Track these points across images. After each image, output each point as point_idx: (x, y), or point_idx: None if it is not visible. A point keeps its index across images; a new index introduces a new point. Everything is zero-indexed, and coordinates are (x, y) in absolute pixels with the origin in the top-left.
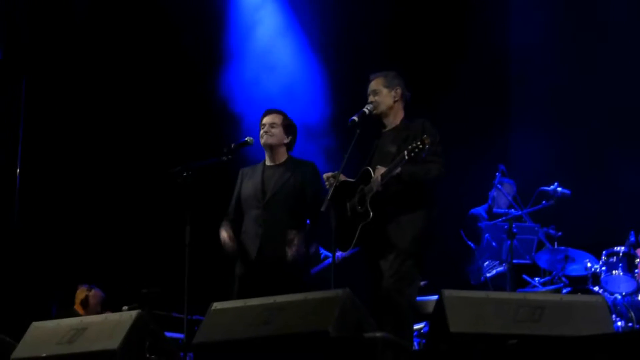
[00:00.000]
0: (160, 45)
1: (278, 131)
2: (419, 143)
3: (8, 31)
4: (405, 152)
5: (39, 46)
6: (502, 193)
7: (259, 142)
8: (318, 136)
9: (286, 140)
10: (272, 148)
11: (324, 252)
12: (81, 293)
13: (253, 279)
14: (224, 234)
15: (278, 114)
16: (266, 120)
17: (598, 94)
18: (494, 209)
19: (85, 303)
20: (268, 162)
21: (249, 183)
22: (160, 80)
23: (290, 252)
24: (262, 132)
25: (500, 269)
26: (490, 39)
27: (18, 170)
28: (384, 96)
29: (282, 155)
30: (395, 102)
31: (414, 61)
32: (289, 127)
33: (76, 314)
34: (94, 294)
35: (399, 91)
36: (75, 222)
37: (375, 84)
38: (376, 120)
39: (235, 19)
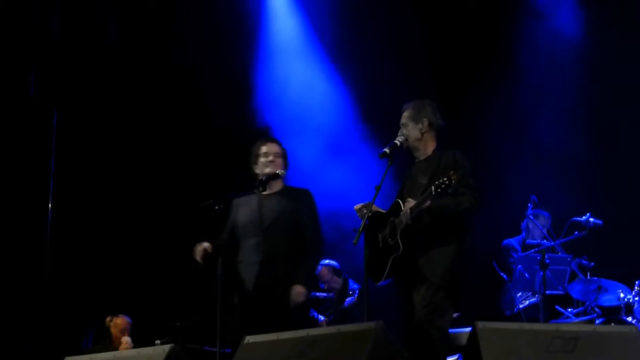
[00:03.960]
0: (192, 77)
1: (280, 161)
2: (445, 179)
3: (39, 65)
4: (433, 187)
5: (70, 79)
6: (536, 224)
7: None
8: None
9: (284, 170)
10: (274, 177)
11: (356, 286)
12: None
13: (252, 306)
14: (203, 245)
15: (278, 144)
16: (269, 149)
17: (632, 123)
18: (527, 240)
19: (109, 334)
20: (264, 191)
21: (245, 211)
22: (193, 113)
23: (294, 303)
24: (265, 161)
25: (533, 299)
26: (519, 63)
27: (50, 203)
28: (410, 129)
29: (279, 184)
30: (423, 133)
31: (442, 86)
32: (285, 156)
33: (110, 348)
34: (115, 324)
35: (426, 123)
36: (108, 255)
37: (404, 117)
38: (408, 150)
39: (268, 50)
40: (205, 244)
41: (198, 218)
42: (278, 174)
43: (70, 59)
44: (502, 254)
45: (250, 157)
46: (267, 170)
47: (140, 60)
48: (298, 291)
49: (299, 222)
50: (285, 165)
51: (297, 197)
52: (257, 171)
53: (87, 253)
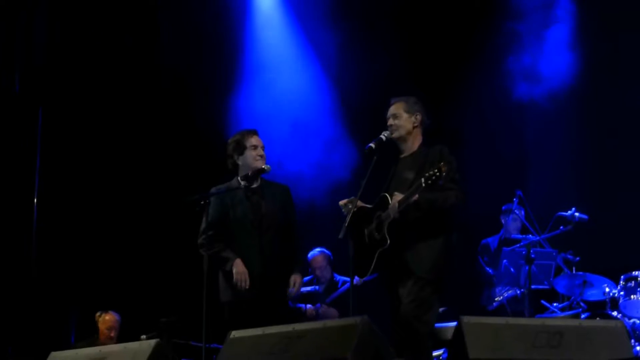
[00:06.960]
0: (175, 73)
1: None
2: (435, 171)
3: (24, 62)
4: (422, 180)
5: (55, 77)
6: (520, 218)
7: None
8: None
9: None
10: (260, 172)
11: (341, 278)
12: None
13: (254, 304)
14: (242, 269)
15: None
16: (259, 142)
17: (616, 118)
18: (512, 235)
19: (97, 330)
20: (245, 185)
21: (236, 207)
22: (176, 108)
23: (293, 293)
24: (255, 154)
25: (511, 292)
26: (502, 63)
27: (35, 200)
28: (403, 120)
29: (259, 178)
30: (414, 127)
31: (428, 83)
32: None
33: (97, 344)
34: (103, 320)
35: (418, 117)
36: (93, 250)
37: (396, 108)
38: (394, 145)
39: (250, 46)
40: (240, 268)
41: (183, 214)
42: (264, 169)
43: (55, 56)
44: (481, 252)
45: (229, 146)
46: (258, 164)
47: (124, 59)
48: (297, 280)
49: (289, 219)
50: None
51: (282, 194)
52: (240, 163)
53: (72, 249)
